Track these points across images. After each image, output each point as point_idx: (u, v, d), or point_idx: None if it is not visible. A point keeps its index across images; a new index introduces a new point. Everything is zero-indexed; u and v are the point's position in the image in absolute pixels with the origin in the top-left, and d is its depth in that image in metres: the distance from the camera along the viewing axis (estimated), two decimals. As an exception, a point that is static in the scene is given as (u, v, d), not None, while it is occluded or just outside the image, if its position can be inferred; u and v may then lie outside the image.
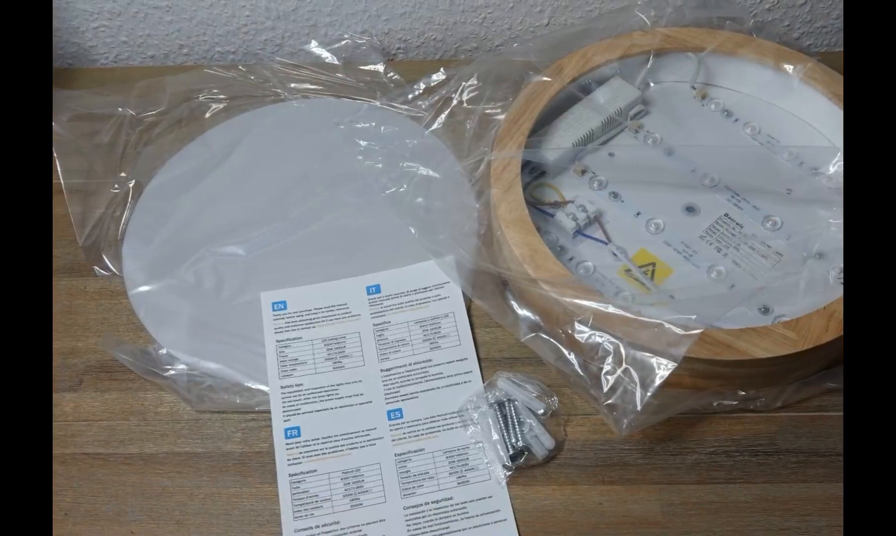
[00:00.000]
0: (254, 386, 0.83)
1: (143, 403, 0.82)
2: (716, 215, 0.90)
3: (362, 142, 0.99)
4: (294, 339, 0.85)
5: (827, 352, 0.78)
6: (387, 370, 0.83)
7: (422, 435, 0.79)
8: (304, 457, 0.78)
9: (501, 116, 0.96)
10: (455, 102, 1.01)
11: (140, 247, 0.92)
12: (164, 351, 0.84)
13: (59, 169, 0.95)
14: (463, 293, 0.87)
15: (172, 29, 1.12)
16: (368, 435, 0.79)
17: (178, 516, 0.75)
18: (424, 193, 0.94)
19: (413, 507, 0.75)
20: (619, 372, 0.76)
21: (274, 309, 0.87)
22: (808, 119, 0.97)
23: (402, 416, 0.80)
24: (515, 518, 0.74)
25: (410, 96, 1.04)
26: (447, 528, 0.74)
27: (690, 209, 0.91)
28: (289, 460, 0.78)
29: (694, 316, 0.76)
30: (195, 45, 1.14)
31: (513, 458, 0.76)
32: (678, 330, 0.75)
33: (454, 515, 0.75)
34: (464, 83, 1.01)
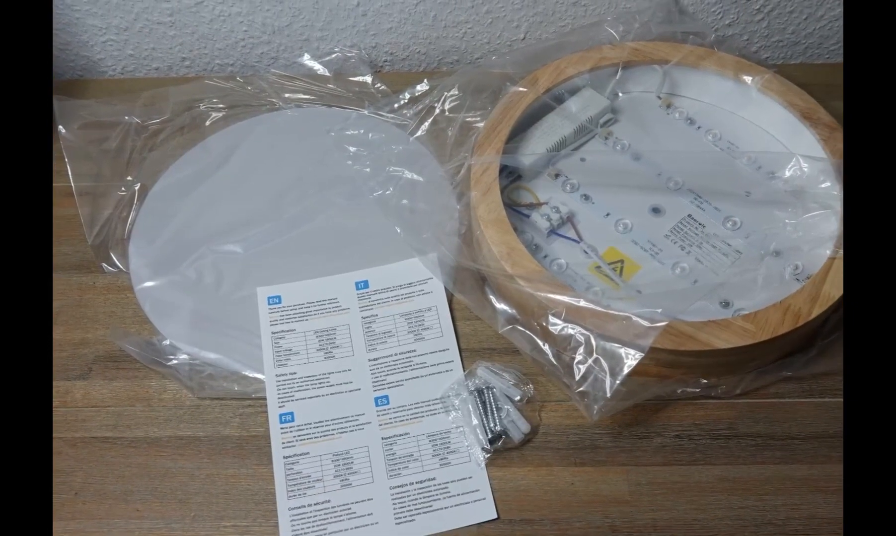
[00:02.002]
0: (251, 375, 0.82)
1: (148, 390, 0.82)
2: (680, 216, 0.90)
3: (352, 148, 0.99)
4: (288, 331, 0.85)
5: (783, 344, 0.78)
6: (374, 359, 0.83)
7: (407, 420, 0.79)
8: (297, 441, 0.78)
9: (481, 124, 0.96)
10: (438, 111, 1.01)
11: (145, 246, 0.92)
12: (167, 342, 0.84)
13: (69, 172, 0.95)
14: (445, 288, 0.87)
15: (175, 43, 1.11)
16: (357, 420, 0.79)
17: (180, 495, 0.75)
18: (409, 196, 0.93)
19: (398, 487, 0.75)
20: (589, 361, 0.76)
21: (269, 303, 0.87)
22: (766, 126, 0.98)
23: (388, 402, 0.80)
24: (494, 498, 0.74)
25: (396, 105, 1.04)
26: (430, 506, 0.74)
27: (656, 210, 0.91)
28: (283, 443, 0.78)
29: (659, 310, 0.76)
30: (196, 58, 1.13)
31: (491, 441, 0.76)
32: (645, 323, 0.75)
33: (437, 494, 0.74)
34: (446, 93, 1.01)
